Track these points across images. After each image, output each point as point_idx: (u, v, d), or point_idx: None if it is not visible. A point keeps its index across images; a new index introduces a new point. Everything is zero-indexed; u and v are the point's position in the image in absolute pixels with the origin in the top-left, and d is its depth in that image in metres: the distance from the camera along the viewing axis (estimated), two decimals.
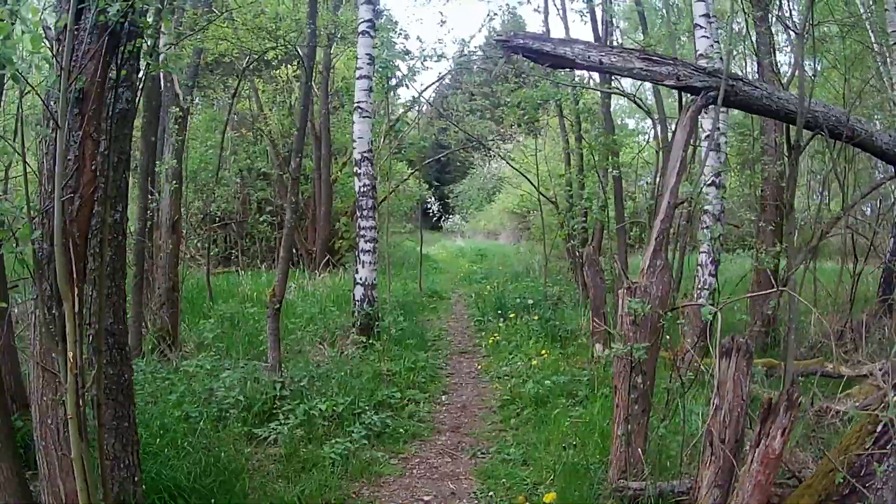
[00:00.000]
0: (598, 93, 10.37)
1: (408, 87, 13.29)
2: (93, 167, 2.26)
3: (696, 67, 3.76)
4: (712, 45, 7.75)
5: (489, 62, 20.85)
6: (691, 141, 4.47)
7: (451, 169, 29.92)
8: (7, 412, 3.01)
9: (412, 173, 15.46)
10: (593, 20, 10.32)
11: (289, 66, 15.45)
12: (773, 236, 7.73)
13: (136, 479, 3.30)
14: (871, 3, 10.58)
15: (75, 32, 2.23)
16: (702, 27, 7.88)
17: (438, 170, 27.54)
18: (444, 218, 27.10)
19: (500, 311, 10.33)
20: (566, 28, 12.68)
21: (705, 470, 3.20)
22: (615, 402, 4.05)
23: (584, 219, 11.33)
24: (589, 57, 3.62)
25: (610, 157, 8.89)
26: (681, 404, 4.00)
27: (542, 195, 12.23)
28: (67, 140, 2.13)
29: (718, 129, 7.27)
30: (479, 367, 8.14)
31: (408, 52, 11.43)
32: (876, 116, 10.61)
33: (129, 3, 2.14)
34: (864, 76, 9.97)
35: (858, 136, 4.17)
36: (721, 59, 7.06)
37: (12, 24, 2.04)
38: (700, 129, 7.51)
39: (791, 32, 8.13)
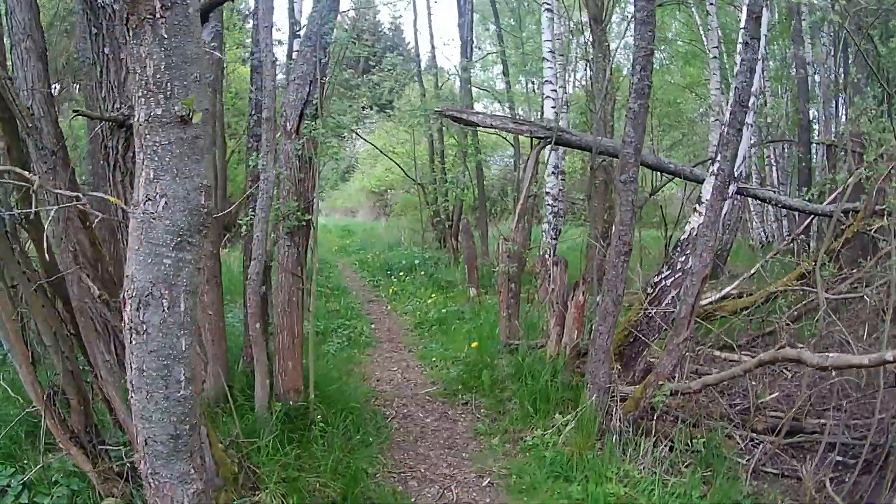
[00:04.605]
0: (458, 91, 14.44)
1: None
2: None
3: (541, 125, 7.74)
4: (554, 74, 11.86)
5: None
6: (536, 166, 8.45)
7: None
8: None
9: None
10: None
11: None
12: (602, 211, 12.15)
13: None
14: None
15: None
16: (549, 60, 11.93)
17: None
18: None
19: (388, 272, 14.15)
20: (431, 32, 16.54)
21: (551, 319, 7.26)
22: (500, 299, 8.03)
23: (445, 198, 15.37)
24: (485, 121, 7.51)
25: (472, 152, 12.92)
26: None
27: (412, 179, 16.07)
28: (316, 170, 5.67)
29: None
30: (388, 307, 11.94)
31: None
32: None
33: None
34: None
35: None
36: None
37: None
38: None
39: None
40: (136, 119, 1.95)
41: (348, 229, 24.45)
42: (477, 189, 13.98)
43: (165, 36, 1.87)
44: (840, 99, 12.72)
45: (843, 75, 11.99)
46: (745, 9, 5.79)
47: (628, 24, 11.85)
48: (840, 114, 13.01)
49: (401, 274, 13.68)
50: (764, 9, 6.16)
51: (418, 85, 16.13)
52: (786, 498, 4.72)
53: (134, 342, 2.09)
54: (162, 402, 2.14)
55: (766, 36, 8.53)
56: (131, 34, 1.87)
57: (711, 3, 12.90)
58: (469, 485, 5.24)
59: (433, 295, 11.88)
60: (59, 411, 4.13)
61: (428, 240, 16.78)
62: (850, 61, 10.36)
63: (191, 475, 2.33)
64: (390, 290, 12.83)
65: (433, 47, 20.95)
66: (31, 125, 3.39)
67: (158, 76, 1.89)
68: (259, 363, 5.56)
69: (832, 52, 12.06)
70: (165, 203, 1.98)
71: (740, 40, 5.99)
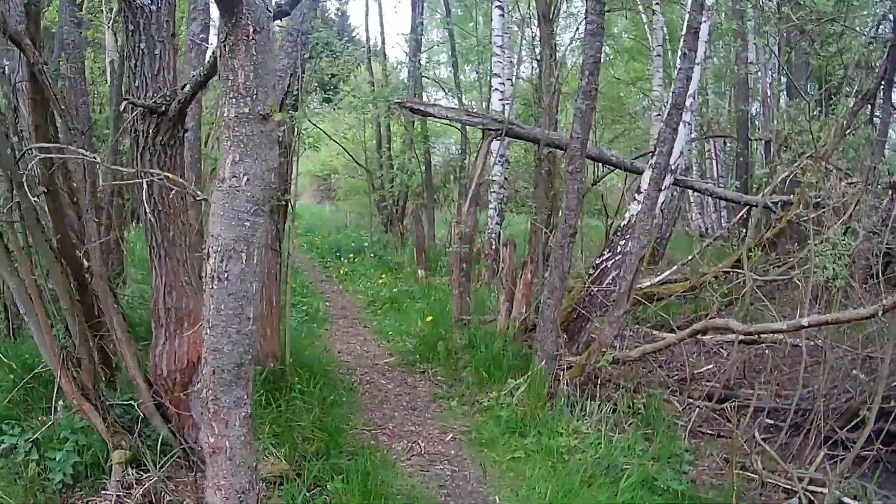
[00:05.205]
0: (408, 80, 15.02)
1: None
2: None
3: (493, 118, 8.42)
4: (503, 68, 12.47)
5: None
6: (486, 155, 9.12)
7: None
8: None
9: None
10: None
11: None
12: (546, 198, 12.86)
13: None
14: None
15: None
16: (498, 55, 12.53)
17: None
18: None
19: (337, 254, 14.67)
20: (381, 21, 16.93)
21: (501, 296, 7.97)
22: (452, 277, 8.70)
23: (392, 184, 15.94)
24: (441, 113, 8.15)
25: (421, 140, 13.55)
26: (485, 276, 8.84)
27: (360, 164, 16.58)
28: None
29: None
30: (340, 287, 12.49)
31: None
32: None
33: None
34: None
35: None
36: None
37: None
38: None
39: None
40: (225, 115, 2.51)
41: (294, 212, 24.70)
42: (423, 175, 14.63)
43: (255, 53, 2.44)
44: (781, 96, 13.65)
45: (784, 76, 12.93)
46: (686, 17, 6.58)
47: (578, 27, 12.62)
48: (781, 111, 13.90)
49: (350, 256, 14.23)
50: (704, 22, 6.97)
51: (368, 73, 16.61)
52: (721, 452, 5.53)
53: (215, 287, 2.66)
54: (234, 336, 2.71)
55: (706, 42, 9.32)
56: (227, 49, 2.43)
57: (658, 3, 13.75)
58: (434, 440, 5.90)
59: (383, 276, 12.48)
60: (71, 371, 4.56)
61: (374, 223, 17.34)
62: (791, 64, 11.26)
63: (244, 400, 2.91)
64: (341, 271, 13.37)
65: (384, 39, 21.30)
66: (64, 107, 3.81)
67: (247, 83, 2.46)
68: None
69: (777, 51, 12.93)
70: (247, 180, 2.55)
71: (680, 47, 6.76)
